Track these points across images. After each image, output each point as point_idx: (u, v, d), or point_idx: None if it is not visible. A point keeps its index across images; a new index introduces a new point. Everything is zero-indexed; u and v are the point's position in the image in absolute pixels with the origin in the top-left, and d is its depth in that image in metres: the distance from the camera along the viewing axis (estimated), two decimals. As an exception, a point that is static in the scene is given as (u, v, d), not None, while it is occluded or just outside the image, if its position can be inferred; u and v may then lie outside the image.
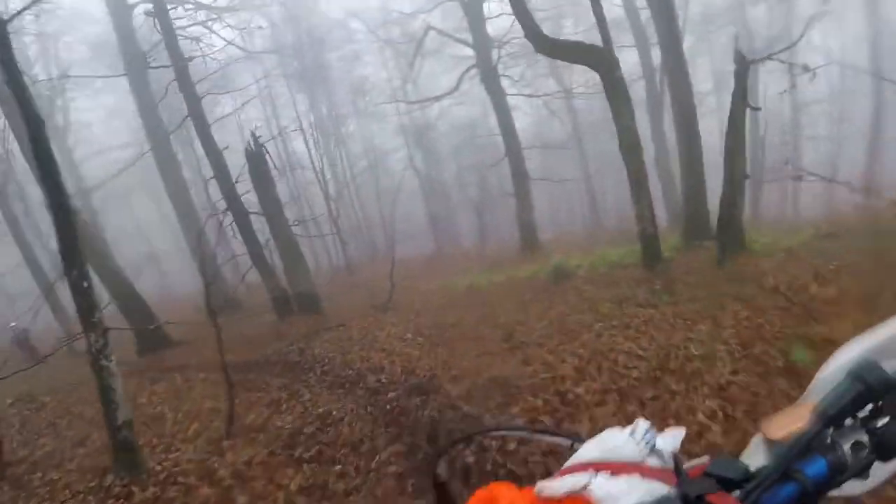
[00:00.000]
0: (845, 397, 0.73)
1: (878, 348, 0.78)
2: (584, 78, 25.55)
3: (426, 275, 20.56)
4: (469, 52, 23.45)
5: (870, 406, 0.74)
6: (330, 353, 11.03)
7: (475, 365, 8.27)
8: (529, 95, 27.68)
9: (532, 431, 1.13)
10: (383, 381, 8.70)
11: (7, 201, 20.26)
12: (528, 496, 0.72)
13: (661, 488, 0.70)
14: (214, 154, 14.22)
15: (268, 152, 13.56)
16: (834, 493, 0.74)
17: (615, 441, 0.78)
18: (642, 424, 0.79)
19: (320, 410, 7.71)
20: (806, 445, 0.72)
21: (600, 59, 10.54)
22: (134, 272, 30.83)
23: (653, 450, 0.77)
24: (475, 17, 20.95)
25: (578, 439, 0.89)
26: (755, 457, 0.79)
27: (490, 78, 21.46)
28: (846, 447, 0.73)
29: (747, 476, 0.73)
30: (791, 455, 0.71)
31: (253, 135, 13.55)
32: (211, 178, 15.07)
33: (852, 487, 0.75)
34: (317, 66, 30.93)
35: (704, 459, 0.81)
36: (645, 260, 11.00)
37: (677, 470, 0.76)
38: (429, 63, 29.92)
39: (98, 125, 34.09)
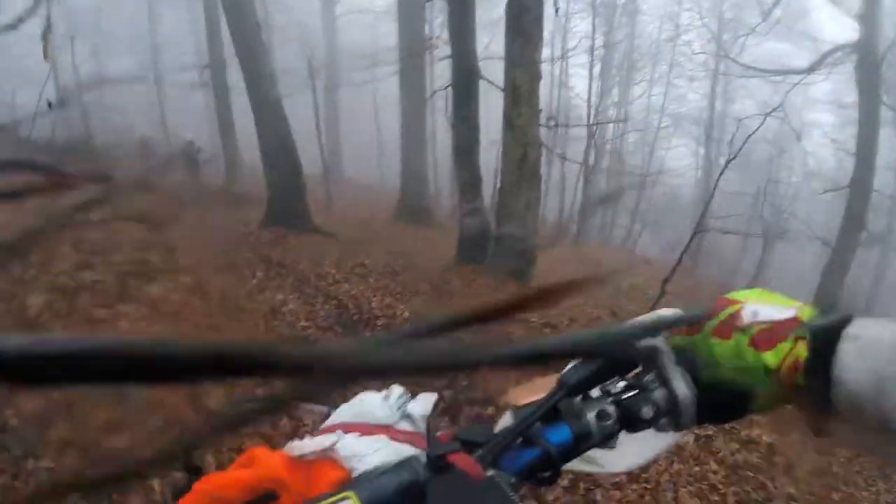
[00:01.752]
0: (588, 367, 0.72)
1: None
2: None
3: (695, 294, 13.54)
4: (835, 33, 17.57)
5: (621, 381, 0.75)
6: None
7: None
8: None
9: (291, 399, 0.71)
10: None
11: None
12: (281, 456, 0.69)
13: (409, 450, 0.70)
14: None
15: None
16: (598, 470, 0.76)
17: (368, 404, 0.78)
18: (396, 390, 0.80)
19: None
20: (550, 412, 0.71)
21: None
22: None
23: (404, 414, 0.76)
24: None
25: (334, 406, 0.82)
26: (501, 425, 0.78)
27: (868, 71, 14.11)
28: (591, 416, 0.71)
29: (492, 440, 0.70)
30: (531, 419, 0.70)
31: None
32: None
33: (613, 463, 0.77)
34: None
35: (457, 429, 0.78)
36: None
37: (428, 434, 0.76)
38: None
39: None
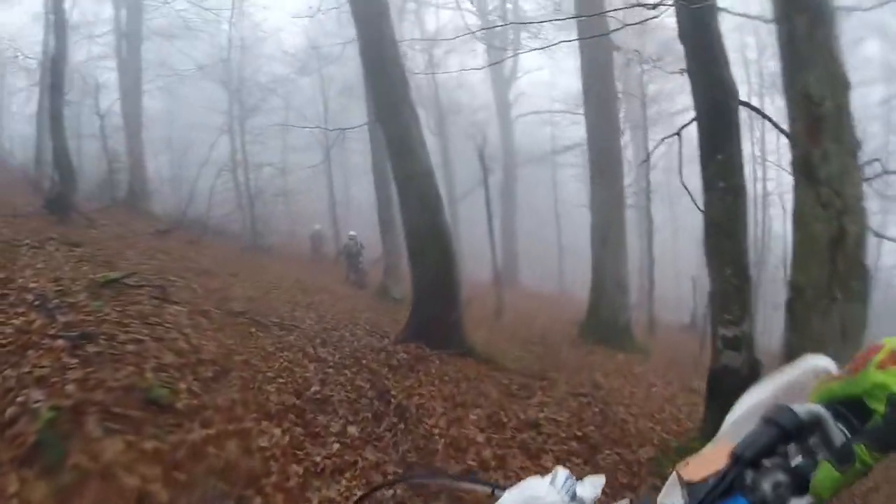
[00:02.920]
0: (760, 440, 0.77)
1: (782, 392, 0.92)
2: None
3: None
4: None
5: (789, 446, 0.80)
6: None
7: None
8: None
9: (453, 479, 1.31)
10: None
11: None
12: None
13: None
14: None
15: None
16: None
17: (536, 490, 0.81)
18: (562, 473, 0.83)
19: None
20: (728, 486, 0.76)
21: None
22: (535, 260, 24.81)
23: (574, 497, 0.80)
24: None
25: (498, 487, 0.88)
26: (671, 498, 0.85)
27: None
28: (767, 486, 0.76)
29: None
30: (713, 495, 0.75)
31: None
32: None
33: None
34: None
35: (625, 503, 0.84)
36: None
37: None
38: None
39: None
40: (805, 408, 0.78)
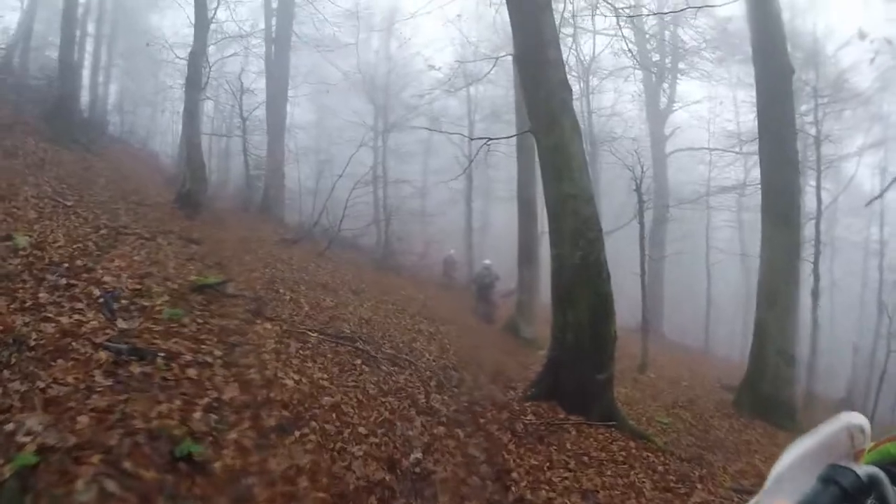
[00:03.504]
0: (822, 501, 0.75)
1: (820, 449, 0.87)
2: None
3: None
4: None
5: None
6: None
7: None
8: None
9: None
10: None
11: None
12: None
13: None
14: None
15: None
16: None
17: None
18: None
19: None
20: None
21: None
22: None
23: None
24: None
25: None
26: None
27: None
28: None
29: None
30: None
31: None
32: None
33: None
34: None
35: None
36: None
37: None
38: None
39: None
40: (864, 469, 0.76)
